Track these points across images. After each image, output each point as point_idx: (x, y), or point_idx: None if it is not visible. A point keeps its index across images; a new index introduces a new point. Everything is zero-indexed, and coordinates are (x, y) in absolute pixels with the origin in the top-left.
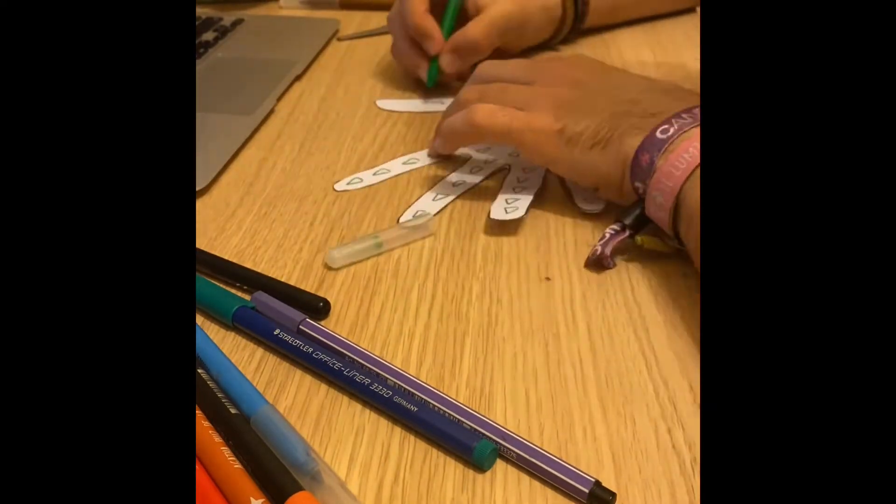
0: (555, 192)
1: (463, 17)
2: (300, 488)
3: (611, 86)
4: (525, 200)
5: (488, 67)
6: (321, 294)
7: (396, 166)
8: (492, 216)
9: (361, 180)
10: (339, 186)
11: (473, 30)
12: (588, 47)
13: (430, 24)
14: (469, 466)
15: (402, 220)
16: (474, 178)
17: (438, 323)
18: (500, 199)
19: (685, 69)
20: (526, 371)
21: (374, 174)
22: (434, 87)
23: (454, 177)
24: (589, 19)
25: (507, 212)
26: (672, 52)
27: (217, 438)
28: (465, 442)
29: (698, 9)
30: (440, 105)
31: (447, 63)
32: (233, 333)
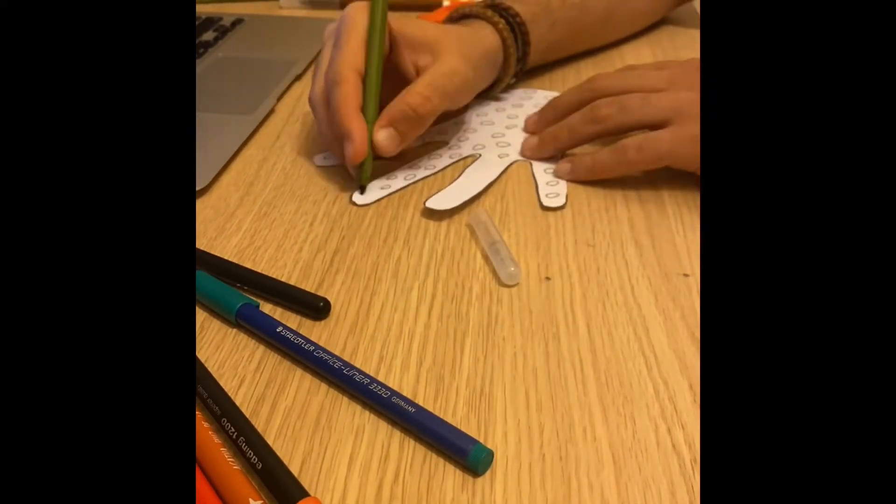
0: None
1: (403, 83)
2: (306, 494)
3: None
4: (563, 185)
5: (605, 81)
6: (321, 294)
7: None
8: (544, 203)
9: (390, 186)
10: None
11: (411, 96)
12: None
13: (356, 125)
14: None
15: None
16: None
17: (438, 323)
18: (541, 186)
19: None
20: (526, 371)
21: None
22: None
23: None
24: (529, 60)
25: (549, 198)
26: (672, 52)
27: (217, 439)
28: (460, 446)
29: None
30: (427, 170)
31: (385, 139)
32: (233, 332)
